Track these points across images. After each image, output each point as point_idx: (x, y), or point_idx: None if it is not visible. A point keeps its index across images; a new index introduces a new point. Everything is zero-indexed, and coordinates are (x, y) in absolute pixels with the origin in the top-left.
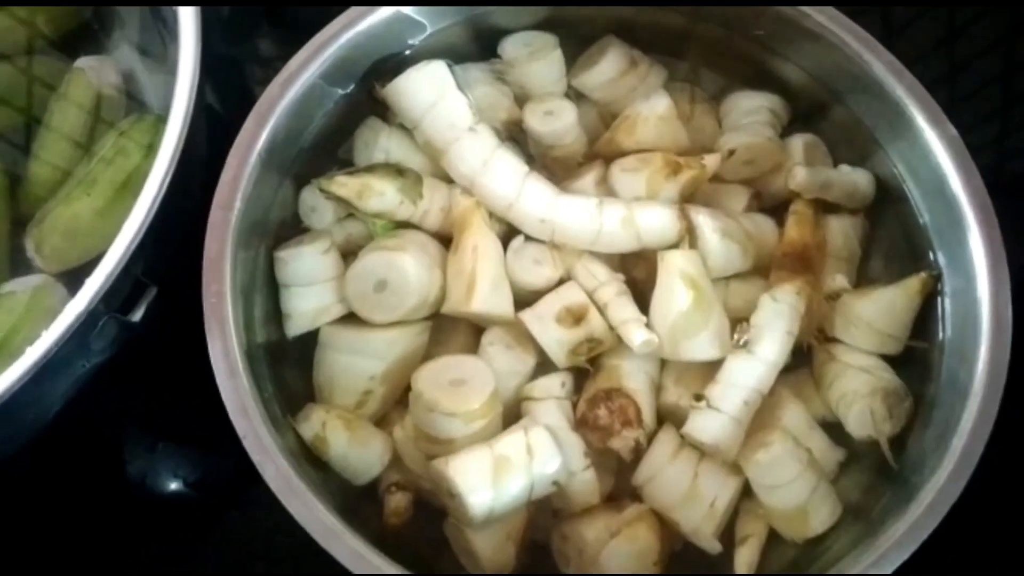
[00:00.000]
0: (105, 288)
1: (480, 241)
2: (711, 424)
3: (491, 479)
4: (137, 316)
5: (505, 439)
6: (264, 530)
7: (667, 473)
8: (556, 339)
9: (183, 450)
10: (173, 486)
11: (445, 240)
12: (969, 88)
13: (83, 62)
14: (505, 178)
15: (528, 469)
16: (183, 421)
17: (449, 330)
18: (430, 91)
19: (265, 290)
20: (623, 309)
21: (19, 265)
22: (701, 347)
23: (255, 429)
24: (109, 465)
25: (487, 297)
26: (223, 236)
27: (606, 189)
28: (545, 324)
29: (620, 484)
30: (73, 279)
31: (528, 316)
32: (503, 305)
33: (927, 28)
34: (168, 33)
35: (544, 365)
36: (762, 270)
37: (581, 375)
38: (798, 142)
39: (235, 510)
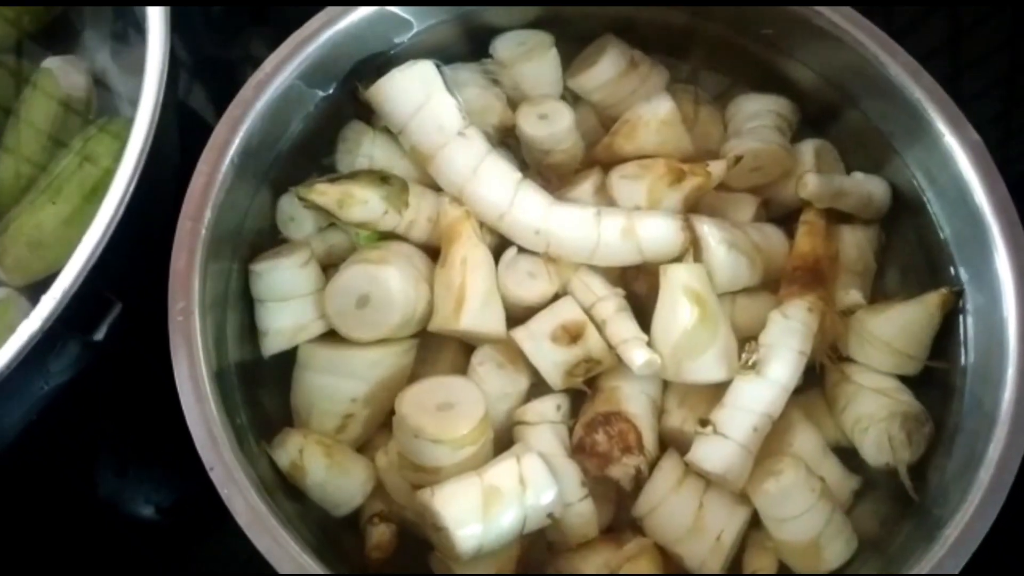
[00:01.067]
0: (63, 305)
1: (470, 253)
2: (717, 451)
3: (480, 511)
4: (100, 335)
5: (496, 468)
6: (243, 559)
7: (670, 504)
8: (551, 359)
9: (155, 475)
10: (146, 512)
11: (432, 252)
12: (974, 90)
13: (50, 62)
14: (497, 186)
15: (520, 500)
16: (154, 444)
17: (436, 349)
18: (417, 93)
19: (239, 306)
20: (623, 327)
21: None
22: (706, 368)
23: (223, 459)
24: (78, 491)
25: (477, 313)
26: (191, 249)
27: (605, 198)
28: (539, 342)
29: (620, 516)
30: (39, 292)
31: (521, 334)
32: (494, 322)
33: (932, 29)
34: (138, 34)
35: (538, 387)
36: (771, 285)
37: (578, 398)
38: (809, 148)
39: (211, 538)
